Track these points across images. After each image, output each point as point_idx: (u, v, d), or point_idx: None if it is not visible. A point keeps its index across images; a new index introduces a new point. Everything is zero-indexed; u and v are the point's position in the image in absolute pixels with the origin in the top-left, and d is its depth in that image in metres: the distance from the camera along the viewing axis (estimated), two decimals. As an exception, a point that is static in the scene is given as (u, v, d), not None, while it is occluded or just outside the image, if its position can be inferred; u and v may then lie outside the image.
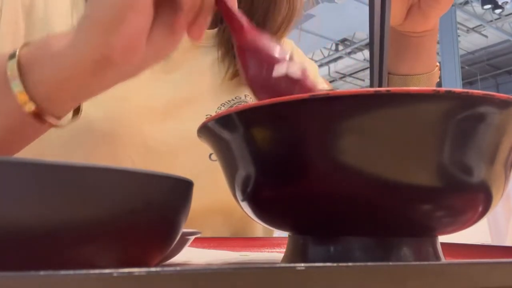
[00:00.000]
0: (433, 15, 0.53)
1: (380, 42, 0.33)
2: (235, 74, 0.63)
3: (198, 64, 0.62)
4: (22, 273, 0.10)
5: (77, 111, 0.41)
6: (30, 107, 0.34)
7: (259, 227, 0.67)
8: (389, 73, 0.60)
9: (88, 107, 0.52)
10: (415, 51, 0.57)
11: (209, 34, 0.63)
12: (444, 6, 0.52)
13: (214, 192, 0.57)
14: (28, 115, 0.34)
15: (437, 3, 0.51)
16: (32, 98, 0.34)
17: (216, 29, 0.64)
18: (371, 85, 0.33)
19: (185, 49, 0.61)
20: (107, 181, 0.16)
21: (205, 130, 0.26)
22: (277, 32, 0.60)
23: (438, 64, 0.60)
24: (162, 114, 0.57)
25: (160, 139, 0.56)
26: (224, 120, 0.23)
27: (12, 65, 0.33)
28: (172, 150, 0.57)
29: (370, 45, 0.34)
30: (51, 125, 0.36)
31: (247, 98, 0.63)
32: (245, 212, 0.27)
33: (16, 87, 0.33)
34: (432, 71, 0.59)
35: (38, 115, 0.34)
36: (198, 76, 0.61)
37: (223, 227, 0.62)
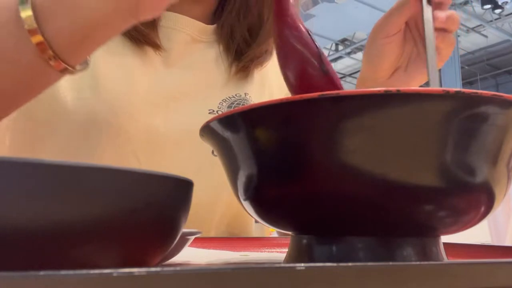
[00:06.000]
0: (419, 78, 0.52)
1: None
2: (238, 70, 0.63)
3: (199, 59, 0.62)
4: (22, 273, 0.10)
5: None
6: (49, 56, 0.33)
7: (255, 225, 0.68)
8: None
9: (92, 100, 0.52)
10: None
11: (208, 30, 0.62)
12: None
13: (215, 187, 0.57)
14: (46, 64, 0.33)
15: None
16: (51, 48, 0.32)
17: (215, 25, 0.63)
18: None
19: (185, 43, 0.60)
20: (107, 181, 0.16)
21: (207, 129, 0.26)
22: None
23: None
24: (163, 108, 0.57)
25: (163, 133, 0.56)
26: (230, 120, 0.23)
27: (28, 16, 0.32)
28: (174, 144, 0.57)
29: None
30: (63, 75, 0.35)
31: (247, 96, 0.63)
32: (248, 212, 0.27)
33: (35, 38, 0.32)
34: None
35: (56, 64, 0.33)
36: (199, 70, 0.61)
37: (220, 224, 0.62)
